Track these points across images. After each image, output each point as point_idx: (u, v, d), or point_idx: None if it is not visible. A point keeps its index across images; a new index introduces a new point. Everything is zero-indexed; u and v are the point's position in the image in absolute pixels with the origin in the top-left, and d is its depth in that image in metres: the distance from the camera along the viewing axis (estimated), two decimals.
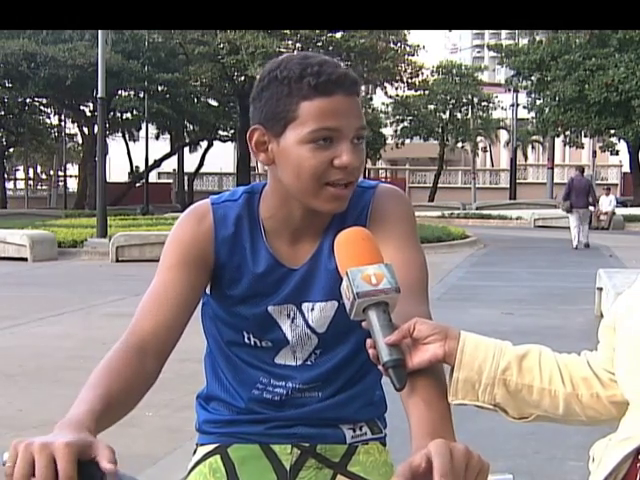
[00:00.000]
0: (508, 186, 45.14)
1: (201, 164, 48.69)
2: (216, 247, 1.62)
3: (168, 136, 47.03)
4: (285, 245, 1.64)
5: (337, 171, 1.49)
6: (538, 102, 36.10)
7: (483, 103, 49.96)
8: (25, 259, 16.27)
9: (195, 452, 1.79)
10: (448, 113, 49.53)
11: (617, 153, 39.70)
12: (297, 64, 1.50)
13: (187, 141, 47.84)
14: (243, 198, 1.65)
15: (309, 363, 1.69)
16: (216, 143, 47.81)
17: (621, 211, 28.12)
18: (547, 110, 34.58)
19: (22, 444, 1.10)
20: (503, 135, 55.46)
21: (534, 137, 52.36)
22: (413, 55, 42.95)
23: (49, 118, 47.47)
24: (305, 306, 1.65)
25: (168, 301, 1.53)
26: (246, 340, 1.69)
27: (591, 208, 20.12)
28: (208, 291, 1.69)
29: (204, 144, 48.26)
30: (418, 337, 1.33)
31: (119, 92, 39.04)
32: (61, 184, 54.91)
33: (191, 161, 48.62)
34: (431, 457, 1.08)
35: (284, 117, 1.50)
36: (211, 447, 1.75)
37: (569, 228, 19.80)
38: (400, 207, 1.66)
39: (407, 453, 1.15)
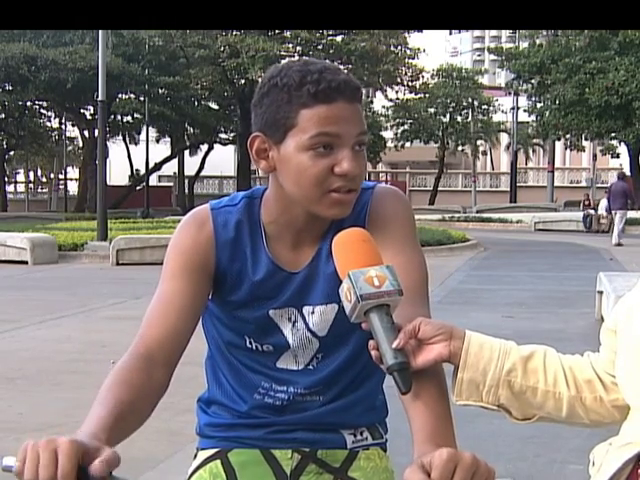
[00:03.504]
0: (508, 189, 45.15)
1: (201, 167, 48.66)
2: (217, 253, 1.61)
3: (168, 139, 47.02)
4: (286, 249, 1.64)
5: (338, 179, 1.48)
6: (538, 105, 36.09)
7: (483, 106, 49.97)
8: (25, 262, 16.24)
9: (196, 456, 1.78)
10: (448, 116, 49.53)
11: (618, 156, 39.73)
12: (297, 71, 1.49)
13: (187, 144, 47.82)
14: (243, 203, 1.65)
15: (311, 368, 1.69)
16: (217, 146, 47.80)
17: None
18: (547, 113, 34.58)
19: (30, 444, 1.11)
20: (503, 138, 55.47)
21: (535, 140, 52.39)
22: (413, 58, 42.93)
23: (50, 121, 47.43)
24: (306, 309, 1.64)
25: (174, 310, 1.53)
26: (247, 344, 1.68)
27: (630, 213, 22.67)
28: (209, 296, 1.69)
29: (204, 147, 48.24)
30: (423, 338, 1.33)
31: (120, 95, 39.03)
32: (61, 187, 54.90)
33: (191, 164, 48.59)
34: (431, 468, 1.09)
35: (284, 124, 1.49)
36: (211, 452, 1.74)
37: (569, 231, 20.34)
38: (399, 208, 1.65)
39: (409, 456, 1.15)
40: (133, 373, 1.41)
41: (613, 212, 22.02)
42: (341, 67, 1.57)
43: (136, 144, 46.87)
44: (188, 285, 1.56)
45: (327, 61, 1.63)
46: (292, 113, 1.48)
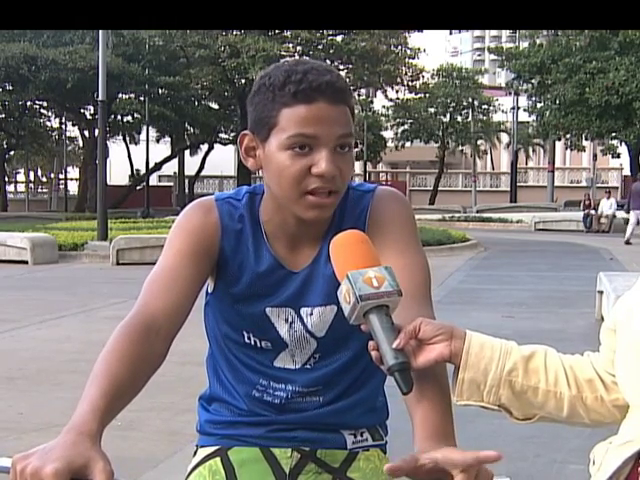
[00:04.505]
0: (509, 189, 45.18)
1: (202, 167, 48.67)
2: (222, 240, 1.62)
3: (169, 139, 47.04)
4: (285, 249, 1.64)
5: (316, 179, 1.48)
6: (539, 105, 36.04)
7: (483, 106, 50.01)
8: (26, 262, 16.25)
9: (195, 453, 1.78)
10: (448, 116, 49.57)
11: (618, 156, 39.68)
12: (284, 71, 1.50)
13: (188, 144, 47.83)
14: (246, 198, 1.65)
15: (308, 367, 1.69)
16: (217, 146, 47.79)
17: (622, 214, 28.14)
18: (548, 113, 34.53)
19: (20, 465, 1.13)
20: (504, 138, 55.48)
21: (535, 140, 52.38)
22: (414, 58, 42.96)
23: (50, 121, 47.47)
24: (304, 311, 1.64)
25: (178, 284, 1.52)
26: (246, 340, 1.68)
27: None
28: (210, 290, 1.69)
29: (205, 147, 48.25)
30: (423, 338, 1.33)
31: (120, 95, 39.05)
32: (62, 187, 54.92)
33: (192, 164, 48.61)
34: (439, 462, 1.15)
35: (267, 123, 1.50)
36: (211, 449, 1.74)
37: (569, 231, 20.56)
38: (399, 209, 1.64)
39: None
40: (132, 343, 1.39)
41: (632, 211, 22.85)
42: (341, 67, 1.56)
43: (136, 144, 46.88)
44: (191, 264, 1.55)
45: (319, 62, 1.61)
46: (274, 112, 1.48)
